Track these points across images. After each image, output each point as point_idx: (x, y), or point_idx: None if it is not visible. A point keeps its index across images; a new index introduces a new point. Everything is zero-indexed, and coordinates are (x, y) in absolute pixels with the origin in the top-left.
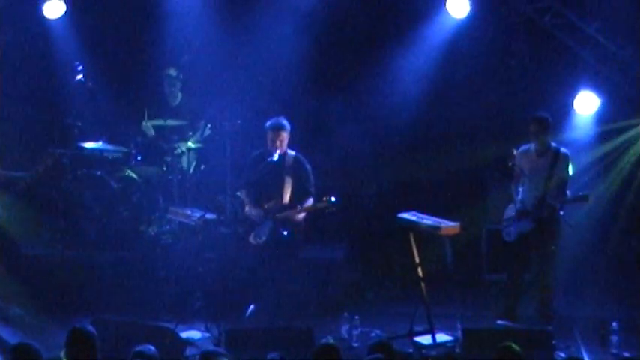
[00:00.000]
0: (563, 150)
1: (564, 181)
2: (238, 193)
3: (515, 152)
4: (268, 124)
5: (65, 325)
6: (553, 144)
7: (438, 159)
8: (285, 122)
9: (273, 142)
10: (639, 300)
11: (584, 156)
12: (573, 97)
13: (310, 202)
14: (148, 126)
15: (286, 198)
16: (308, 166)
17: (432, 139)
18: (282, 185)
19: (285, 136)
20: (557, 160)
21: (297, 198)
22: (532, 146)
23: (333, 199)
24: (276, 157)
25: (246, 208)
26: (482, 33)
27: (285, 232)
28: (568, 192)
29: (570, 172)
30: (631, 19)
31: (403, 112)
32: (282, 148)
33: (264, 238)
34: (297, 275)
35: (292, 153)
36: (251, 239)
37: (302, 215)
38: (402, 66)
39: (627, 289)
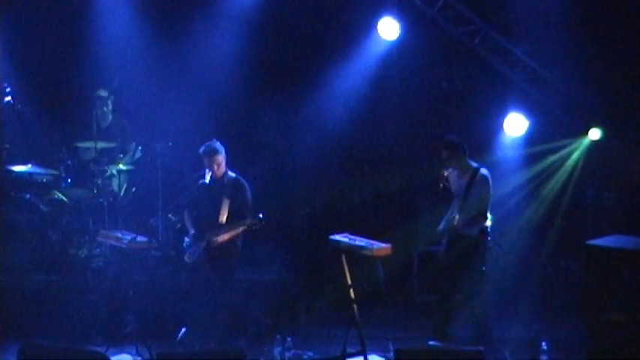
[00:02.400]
0: (482, 170)
1: (481, 201)
2: (170, 215)
3: (445, 173)
4: (202, 150)
5: None
6: (474, 164)
7: (369, 180)
8: (218, 145)
9: (210, 166)
10: (568, 320)
11: (513, 177)
12: (503, 119)
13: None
14: (84, 148)
15: (222, 219)
16: (247, 190)
17: (364, 161)
18: (220, 206)
19: (220, 159)
20: (474, 180)
21: (233, 219)
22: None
23: (260, 215)
24: (207, 179)
25: (188, 228)
26: (413, 55)
27: (218, 253)
28: (489, 212)
29: (490, 192)
30: (558, 42)
31: (335, 133)
32: (219, 171)
33: (195, 257)
34: (229, 297)
35: (232, 175)
36: (186, 258)
37: (232, 234)
38: (334, 87)
39: (557, 309)
